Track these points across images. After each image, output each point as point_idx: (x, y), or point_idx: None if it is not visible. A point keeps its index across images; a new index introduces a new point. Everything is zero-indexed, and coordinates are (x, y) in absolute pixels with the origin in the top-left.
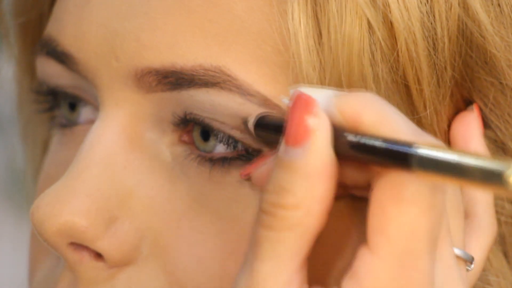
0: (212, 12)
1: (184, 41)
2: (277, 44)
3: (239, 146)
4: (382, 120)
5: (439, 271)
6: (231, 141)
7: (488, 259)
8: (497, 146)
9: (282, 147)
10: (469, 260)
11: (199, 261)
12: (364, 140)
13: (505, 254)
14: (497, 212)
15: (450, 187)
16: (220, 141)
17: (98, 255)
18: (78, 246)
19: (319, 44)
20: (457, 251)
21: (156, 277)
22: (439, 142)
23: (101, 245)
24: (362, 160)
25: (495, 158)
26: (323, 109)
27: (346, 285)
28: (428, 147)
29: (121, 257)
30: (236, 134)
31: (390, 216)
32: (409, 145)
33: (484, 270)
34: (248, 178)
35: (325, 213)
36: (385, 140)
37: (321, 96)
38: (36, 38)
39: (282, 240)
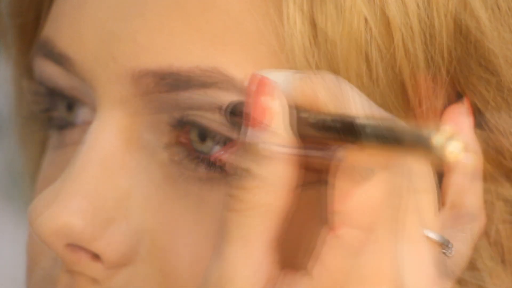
0: (208, 13)
1: (180, 43)
2: (273, 44)
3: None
4: (336, 97)
5: (406, 250)
6: (228, 142)
7: (483, 261)
8: (491, 145)
9: (243, 129)
10: (444, 243)
11: (197, 262)
12: (316, 118)
13: (502, 257)
14: (491, 210)
15: (418, 169)
16: (217, 143)
17: (96, 256)
18: (76, 247)
19: (314, 44)
20: (430, 234)
21: (154, 278)
22: (388, 116)
23: (98, 246)
24: (319, 138)
25: (425, 126)
26: (282, 90)
27: (312, 266)
28: (368, 120)
29: (118, 258)
30: (233, 135)
31: (346, 194)
32: (353, 119)
33: (479, 270)
34: (221, 164)
35: (289, 193)
36: (334, 116)
37: (280, 78)
38: (34, 39)
39: (248, 221)
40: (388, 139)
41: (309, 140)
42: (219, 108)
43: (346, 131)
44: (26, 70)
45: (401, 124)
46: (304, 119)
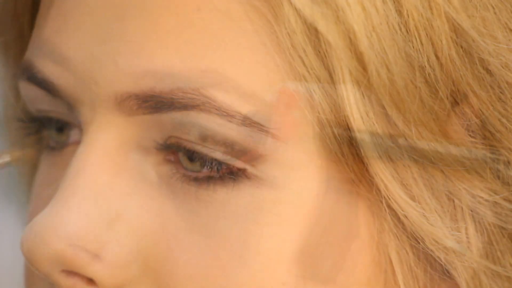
0: (187, 33)
1: (161, 64)
2: (255, 61)
3: (223, 168)
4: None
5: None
6: (214, 163)
7: (482, 261)
8: (489, 145)
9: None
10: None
11: (191, 280)
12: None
13: (501, 258)
14: (489, 209)
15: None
16: (204, 165)
17: (91, 281)
18: (71, 272)
19: (310, 44)
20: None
21: None
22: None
23: (92, 271)
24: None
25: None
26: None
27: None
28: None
29: (113, 281)
30: (218, 156)
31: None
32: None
33: (478, 271)
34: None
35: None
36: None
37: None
38: (18, 57)
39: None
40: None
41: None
42: (200, 131)
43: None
44: (13, 88)
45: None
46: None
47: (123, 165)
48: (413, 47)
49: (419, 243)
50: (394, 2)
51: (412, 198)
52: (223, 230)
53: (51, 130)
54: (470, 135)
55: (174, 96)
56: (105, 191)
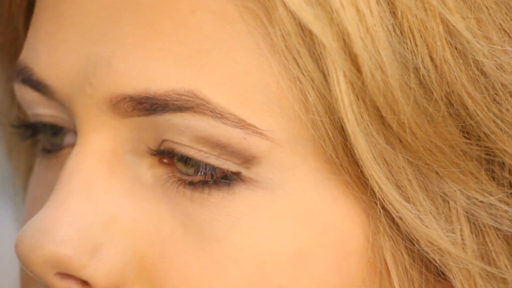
0: (182, 34)
1: (155, 66)
2: (249, 62)
3: (217, 173)
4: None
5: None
6: (208, 169)
7: (476, 263)
8: (486, 148)
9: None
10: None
11: (186, 283)
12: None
13: (493, 260)
14: (483, 212)
15: None
16: (198, 170)
17: (85, 283)
18: (65, 275)
19: (303, 45)
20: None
21: None
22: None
23: (87, 273)
24: None
25: None
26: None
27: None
28: None
29: (108, 283)
30: (212, 161)
31: None
32: None
33: (473, 272)
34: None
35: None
36: None
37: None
38: (13, 58)
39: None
40: None
41: None
42: (194, 133)
43: None
44: (8, 90)
45: None
46: None
47: (117, 166)
48: (408, 48)
49: (414, 244)
50: (388, 4)
51: (407, 199)
52: (219, 233)
53: (46, 134)
54: (464, 137)
55: (169, 98)
56: (100, 193)
